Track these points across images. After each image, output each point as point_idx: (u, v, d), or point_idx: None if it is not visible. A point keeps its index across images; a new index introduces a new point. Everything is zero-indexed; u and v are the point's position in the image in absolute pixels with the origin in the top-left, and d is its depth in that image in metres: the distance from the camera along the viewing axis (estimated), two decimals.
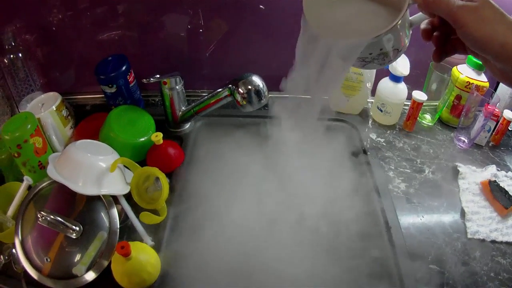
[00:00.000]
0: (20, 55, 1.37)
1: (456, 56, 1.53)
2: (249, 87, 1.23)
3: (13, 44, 1.35)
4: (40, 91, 1.44)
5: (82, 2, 1.38)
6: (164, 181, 1.10)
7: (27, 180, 1.12)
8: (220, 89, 1.30)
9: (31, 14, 1.41)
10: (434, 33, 0.78)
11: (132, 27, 1.48)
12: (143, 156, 1.30)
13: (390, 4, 0.76)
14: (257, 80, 1.24)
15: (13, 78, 1.39)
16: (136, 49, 1.54)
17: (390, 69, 1.45)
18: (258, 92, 1.24)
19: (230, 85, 1.26)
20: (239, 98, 1.24)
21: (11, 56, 1.35)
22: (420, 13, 0.75)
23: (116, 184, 1.11)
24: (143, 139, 1.29)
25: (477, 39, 0.66)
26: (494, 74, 0.74)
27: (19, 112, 1.38)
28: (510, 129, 1.54)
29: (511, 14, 0.66)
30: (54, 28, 1.44)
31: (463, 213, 1.24)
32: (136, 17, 1.46)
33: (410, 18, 0.78)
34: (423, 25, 0.79)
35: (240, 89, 1.23)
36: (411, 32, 0.79)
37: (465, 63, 1.51)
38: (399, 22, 0.70)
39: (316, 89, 0.92)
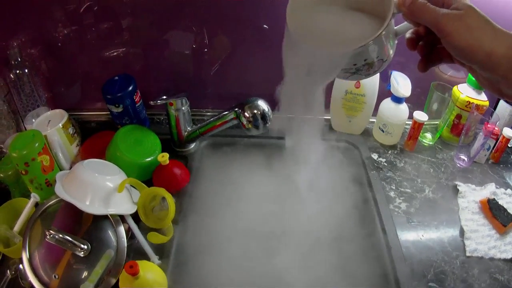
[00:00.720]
0: (26, 70, 1.38)
1: (457, 75, 1.58)
2: (255, 111, 1.26)
3: (19, 59, 1.37)
4: (45, 107, 1.46)
5: (87, 18, 1.42)
6: (171, 201, 1.12)
7: (34, 197, 1.13)
8: (226, 112, 1.32)
9: (37, 29, 1.44)
10: (420, 43, 0.78)
11: (137, 45, 1.51)
12: (149, 176, 1.32)
13: (374, 13, 0.76)
14: (262, 104, 1.27)
15: (19, 93, 1.41)
16: (141, 66, 1.57)
17: (391, 90, 1.48)
18: (263, 116, 1.26)
19: (236, 109, 1.29)
20: (245, 121, 1.27)
21: (17, 71, 1.37)
22: (406, 22, 0.74)
23: (123, 203, 1.13)
24: (149, 159, 1.32)
25: (462, 49, 0.65)
26: (481, 83, 0.73)
27: (24, 126, 1.42)
28: (510, 146, 1.56)
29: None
30: (59, 44, 1.47)
31: (462, 232, 1.26)
32: (141, 35, 1.49)
33: (395, 27, 0.77)
34: (408, 35, 0.78)
35: (246, 113, 1.26)
36: (396, 41, 0.79)
37: (465, 83, 1.54)
38: (383, 32, 0.69)
39: (305, 106, 0.92)
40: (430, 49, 0.77)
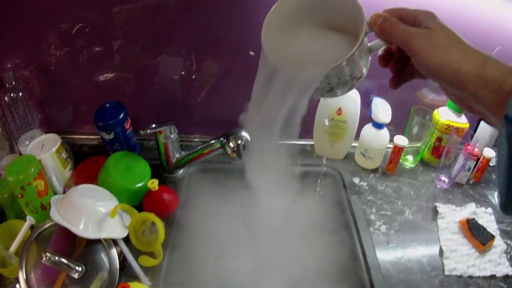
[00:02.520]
0: (20, 94, 1.46)
1: (438, 98, 1.63)
2: (239, 141, 1.33)
3: (14, 83, 1.45)
4: (39, 129, 1.53)
5: (79, 42, 1.48)
6: (160, 226, 1.18)
7: (30, 220, 1.19)
8: (212, 141, 1.39)
9: (30, 53, 1.51)
10: (391, 60, 0.79)
11: (127, 70, 1.56)
12: (140, 200, 1.39)
13: (347, 31, 0.77)
14: (246, 135, 1.34)
15: (13, 115, 1.48)
16: (131, 91, 1.62)
17: (372, 116, 1.54)
18: (246, 147, 1.33)
19: (221, 138, 1.36)
20: (229, 151, 1.34)
21: (12, 94, 1.45)
22: (379, 39, 0.75)
23: (115, 228, 1.20)
24: (139, 184, 1.39)
25: (430, 67, 0.66)
26: (451, 99, 0.75)
27: (18, 148, 1.47)
28: (491, 165, 1.64)
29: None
30: (52, 67, 1.54)
31: (441, 252, 1.32)
32: (131, 60, 1.54)
33: (368, 44, 0.77)
34: (380, 52, 0.80)
35: (230, 143, 1.33)
36: (370, 58, 0.79)
37: (445, 106, 1.60)
38: (356, 52, 0.69)
39: (278, 130, 0.88)
40: (402, 66, 0.79)
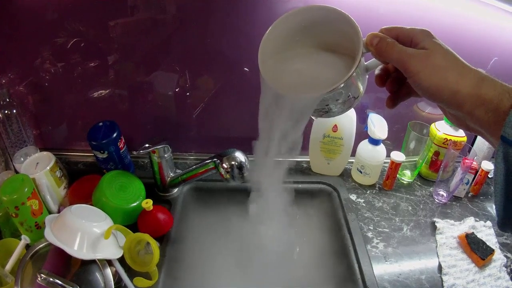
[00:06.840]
0: (14, 111, 1.48)
1: (434, 112, 1.66)
2: (232, 162, 1.33)
3: (8, 100, 1.46)
4: (33, 146, 1.55)
5: (73, 57, 1.50)
6: (155, 246, 1.19)
7: (25, 239, 1.21)
8: (207, 161, 1.39)
9: (25, 70, 1.52)
10: (388, 79, 0.80)
11: (122, 86, 1.59)
12: (134, 220, 1.39)
13: (344, 51, 0.79)
14: (240, 156, 1.34)
15: (7, 132, 1.50)
16: (125, 108, 1.65)
17: (368, 132, 1.55)
18: (240, 168, 1.33)
19: (215, 159, 1.36)
20: (223, 172, 1.34)
21: (6, 111, 1.46)
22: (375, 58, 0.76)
23: (110, 248, 1.20)
24: (134, 204, 1.40)
25: (427, 88, 0.66)
26: (448, 118, 0.76)
27: (13, 164, 1.48)
28: (490, 176, 1.65)
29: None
30: (47, 84, 1.56)
31: (440, 268, 1.32)
32: (126, 76, 1.57)
33: (365, 63, 0.79)
34: (376, 71, 0.80)
35: (224, 164, 1.33)
36: (367, 76, 0.80)
37: (442, 120, 1.63)
38: (354, 73, 0.70)
39: (279, 149, 0.92)
40: (399, 85, 0.80)
